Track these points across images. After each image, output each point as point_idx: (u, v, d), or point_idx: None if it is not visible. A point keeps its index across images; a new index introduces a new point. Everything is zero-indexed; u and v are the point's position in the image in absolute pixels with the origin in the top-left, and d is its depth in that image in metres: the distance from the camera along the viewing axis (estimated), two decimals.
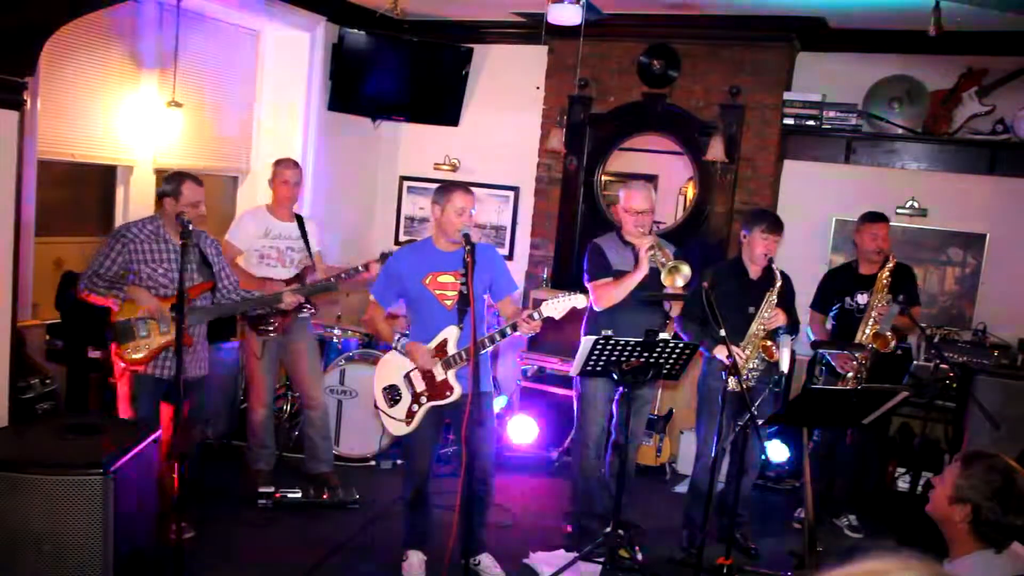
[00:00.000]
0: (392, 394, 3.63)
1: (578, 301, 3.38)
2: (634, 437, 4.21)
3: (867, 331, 4.31)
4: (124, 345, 3.65)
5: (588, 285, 4.09)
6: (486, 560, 3.83)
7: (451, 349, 3.52)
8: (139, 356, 3.66)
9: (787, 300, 4.18)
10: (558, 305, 3.36)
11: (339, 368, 5.10)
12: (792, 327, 4.18)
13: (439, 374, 3.55)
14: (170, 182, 3.76)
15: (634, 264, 4.01)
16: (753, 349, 4.04)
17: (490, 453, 3.70)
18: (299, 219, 4.60)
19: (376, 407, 3.69)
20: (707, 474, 3.99)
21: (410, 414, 3.59)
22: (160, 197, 3.80)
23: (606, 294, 4.00)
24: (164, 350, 3.71)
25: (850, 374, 4.32)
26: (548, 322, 3.45)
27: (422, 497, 3.78)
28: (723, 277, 4.22)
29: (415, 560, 3.77)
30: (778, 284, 4.00)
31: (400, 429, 3.64)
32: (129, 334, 3.66)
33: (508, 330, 3.45)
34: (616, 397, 4.15)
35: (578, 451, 4.25)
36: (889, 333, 4.26)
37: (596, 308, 4.02)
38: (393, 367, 3.65)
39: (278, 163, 4.58)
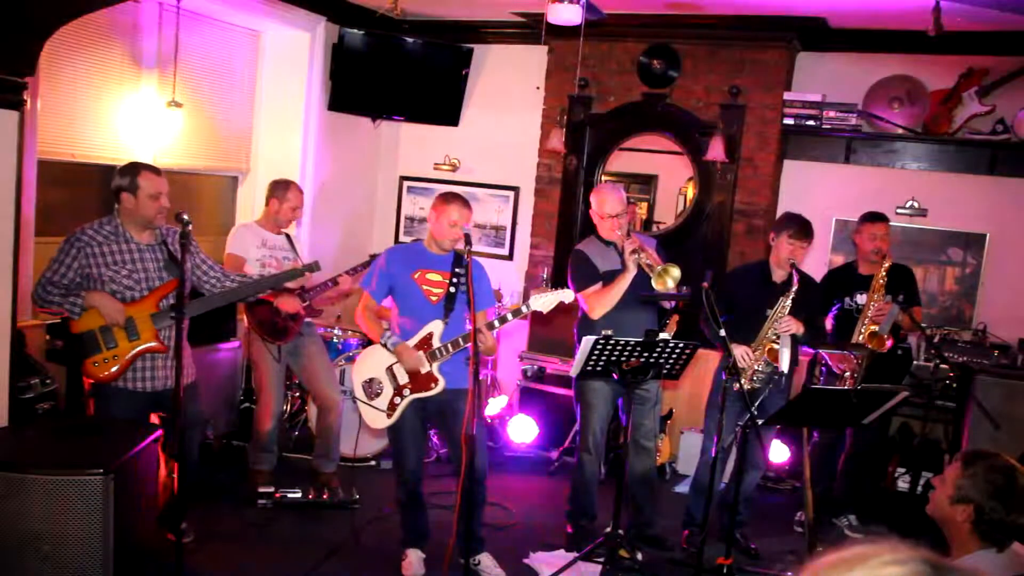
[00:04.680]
0: (373, 386, 3.65)
1: (565, 296, 3.52)
2: (650, 436, 4.20)
3: (863, 331, 4.32)
4: (90, 358, 3.36)
5: (579, 296, 4.03)
6: (486, 560, 3.83)
7: (436, 343, 3.58)
8: (110, 370, 3.40)
9: (809, 308, 4.14)
10: (546, 300, 3.48)
11: (339, 368, 5.10)
12: (812, 337, 4.16)
13: (423, 367, 3.59)
14: (125, 175, 3.43)
15: (621, 262, 4.02)
16: (761, 352, 4.03)
17: (483, 451, 3.69)
18: (287, 235, 4.67)
19: (355, 399, 3.71)
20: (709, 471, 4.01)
21: (392, 406, 3.62)
22: (116, 192, 3.46)
23: (598, 302, 3.98)
24: (137, 359, 3.45)
25: (847, 373, 4.32)
26: (536, 315, 3.60)
27: (416, 496, 3.79)
28: (747, 279, 4.24)
29: (414, 559, 3.78)
30: (793, 290, 3.97)
31: (380, 421, 3.66)
32: (95, 345, 3.36)
33: (496, 323, 3.57)
34: (620, 400, 4.16)
35: (578, 454, 4.25)
36: (887, 336, 4.26)
37: (592, 317, 4.00)
38: (375, 359, 3.67)
39: (287, 187, 4.51)
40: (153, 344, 3.48)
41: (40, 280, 3.38)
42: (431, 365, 3.59)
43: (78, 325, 3.38)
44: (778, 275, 4.17)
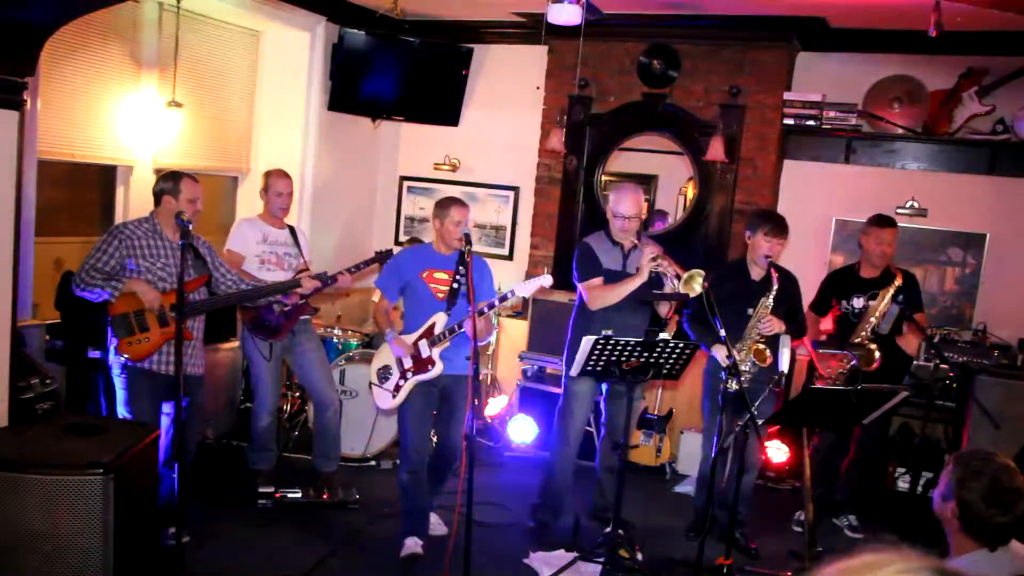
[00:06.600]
0: (384, 372, 4.03)
1: (545, 281, 3.78)
2: (625, 433, 4.21)
3: (862, 334, 4.33)
4: (125, 338, 3.66)
5: (580, 286, 4.13)
6: (432, 517, 4.16)
7: (438, 330, 3.92)
8: (141, 351, 3.67)
9: (790, 304, 4.16)
10: (528, 285, 3.79)
11: (339, 368, 5.10)
12: (795, 331, 4.18)
13: (424, 351, 3.91)
14: (168, 180, 3.82)
15: (623, 264, 4.09)
16: (747, 352, 4.03)
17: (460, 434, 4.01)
18: (291, 229, 4.66)
19: (370, 383, 4.11)
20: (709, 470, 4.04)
21: (397, 388, 3.97)
22: (158, 195, 3.82)
23: (600, 296, 4.03)
24: (164, 344, 3.72)
25: (831, 378, 4.33)
26: (537, 315, 3.68)
27: (419, 477, 3.93)
28: (726, 277, 4.24)
29: (410, 542, 3.91)
30: (774, 289, 3.98)
31: (387, 401, 4.01)
32: (129, 327, 3.65)
33: (484, 308, 3.82)
34: (604, 396, 4.25)
35: (557, 447, 4.29)
36: (874, 346, 4.28)
37: (591, 308, 4.06)
38: (388, 351, 4.06)
39: (269, 175, 4.57)
40: None
41: (83, 266, 3.66)
42: (431, 350, 3.90)
43: (115, 308, 3.66)
44: (755, 272, 4.18)
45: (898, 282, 4.33)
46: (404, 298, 4.06)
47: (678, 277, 3.81)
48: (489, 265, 4.16)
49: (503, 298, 3.82)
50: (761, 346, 4.01)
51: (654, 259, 3.88)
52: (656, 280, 3.97)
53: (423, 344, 3.92)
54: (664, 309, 4.18)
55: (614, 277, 4.06)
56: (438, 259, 3.99)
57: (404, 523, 3.97)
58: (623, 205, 4.04)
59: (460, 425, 3.99)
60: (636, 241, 4.07)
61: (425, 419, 4.01)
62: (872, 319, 4.34)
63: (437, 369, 3.90)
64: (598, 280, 4.08)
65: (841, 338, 4.48)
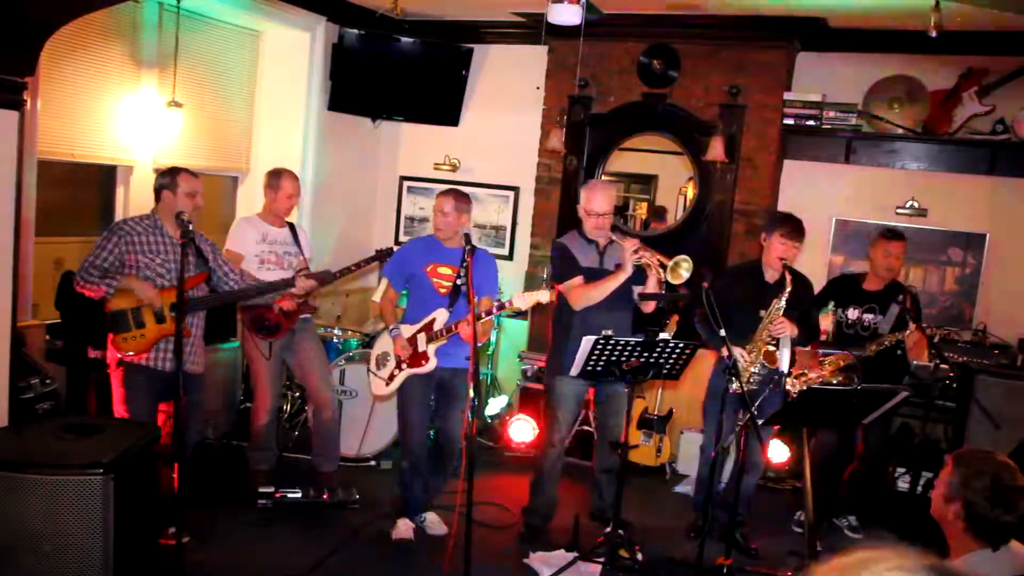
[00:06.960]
0: (383, 359, 4.14)
1: (542, 296, 3.70)
2: (616, 434, 4.21)
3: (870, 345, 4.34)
4: (120, 334, 3.64)
5: (561, 287, 4.06)
6: (431, 517, 4.20)
7: (437, 327, 3.98)
8: (136, 347, 3.66)
9: (802, 307, 4.13)
10: (526, 299, 3.74)
11: (339, 368, 5.10)
12: (808, 336, 4.16)
13: (421, 346, 3.98)
14: (166, 175, 3.81)
15: (599, 261, 4.07)
16: (757, 354, 4.01)
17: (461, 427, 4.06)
18: (291, 226, 4.64)
19: (368, 369, 4.24)
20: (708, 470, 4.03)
21: (391, 377, 4.07)
22: (157, 191, 3.80)
23: (584, 295, 3.99)
24: (161, 341, 3.70)
25: (801, 376, 4.33)
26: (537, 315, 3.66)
27: (419, 464, 4.05)
28: (739, 278, 4.23)
29: (403, 527, 4.00)
30: (787, 291, 3.94)
31: (381, 388, 4.15)
32: (125, 324, 3.64)
33: (483, 314, 3.82)
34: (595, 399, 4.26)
35: (543, 450, 4.28)
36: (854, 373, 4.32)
37: (575, 308, 4.01)
38: (388, 339, 4.17)
39: (279, 175, 4.48)
40: None
41: (83, 264, 3.67)
42: (427, 345, 3.96)
43: (112, 304, 3.65)
44: (770, 275, 4.15)
45: (913, 333, 4.30)
46: (408, 290, 4.11)
47: (663, 266, 3.76)
48: (495, 260, 4.21)
49: (500, 306, 3.83)
50: (771, 348, 3.98)
51: (636, 252, 3.86)
52: (639, 273, 3.95)
53: (420, 338, 3.95)
54: (647, 306, 4.15)
55: (592, 275, 4.02)
56: (443, 252, 4.02)
57: (401, 506, 4.09)
58: (596, 202, 4.01)
59: (458, 418, 4.04)
60: (612, 236, 4.05)
61: (424, 409, 4.08)
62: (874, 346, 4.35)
63: (430, 365, 3.96)
64: (579, 279, 4.03)
65: (838, 342, 4.48)
